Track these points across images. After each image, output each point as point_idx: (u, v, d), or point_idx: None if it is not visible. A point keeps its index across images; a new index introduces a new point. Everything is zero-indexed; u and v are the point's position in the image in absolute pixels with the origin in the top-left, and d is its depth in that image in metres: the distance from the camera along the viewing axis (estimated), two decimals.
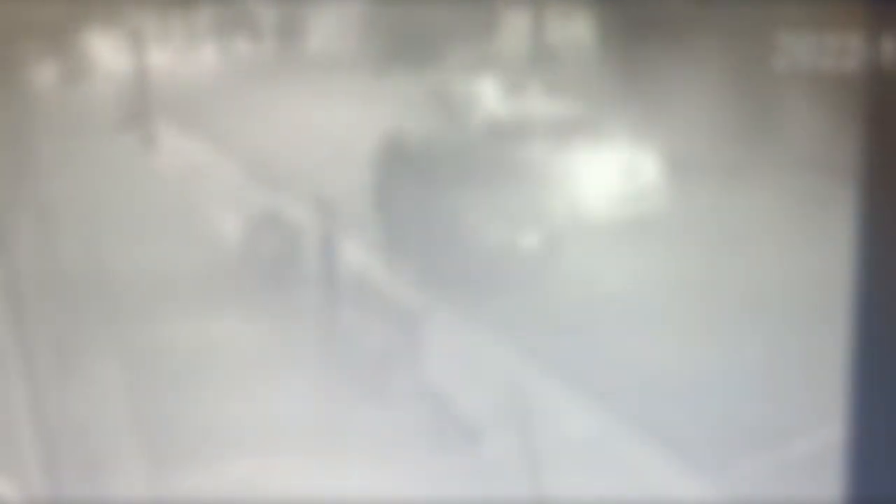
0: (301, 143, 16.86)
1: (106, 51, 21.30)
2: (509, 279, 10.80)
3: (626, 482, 7.29)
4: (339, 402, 8.52)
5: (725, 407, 8.09)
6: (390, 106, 17.82)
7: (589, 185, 13.50)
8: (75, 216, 13.46)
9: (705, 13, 14.41)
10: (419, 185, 11.85)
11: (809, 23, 11.36)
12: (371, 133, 13.09)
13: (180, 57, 22.47)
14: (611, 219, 12.65)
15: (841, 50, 10.77)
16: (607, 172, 14.06)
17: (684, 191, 13.42)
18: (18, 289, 9.68)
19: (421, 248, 11.38)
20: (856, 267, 3.27)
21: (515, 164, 12.06)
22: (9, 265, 10.27)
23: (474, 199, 11.32)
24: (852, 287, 3.30)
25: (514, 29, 20.32)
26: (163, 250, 12.28)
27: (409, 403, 8.38)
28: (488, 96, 18.23)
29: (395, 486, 7.24)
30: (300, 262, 11.26)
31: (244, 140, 17.37)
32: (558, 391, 8.60)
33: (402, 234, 11.94)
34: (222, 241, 12.76)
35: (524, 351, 9.29)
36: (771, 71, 12.55)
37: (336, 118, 18.38)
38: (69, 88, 20.92)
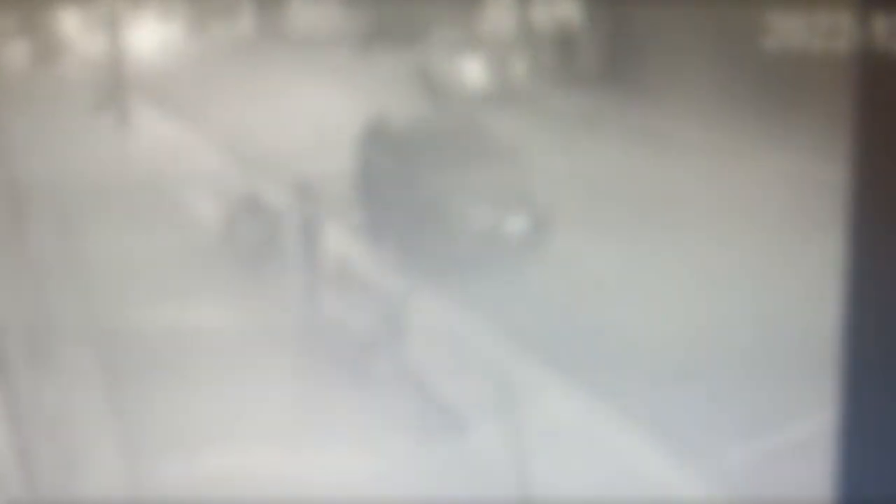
0: (281, 124, 16.68)
1: (80, 30, 21.00)
2: (495, 263, 10.68)
3: (614, 468, 7.21)
4: (321, 389, 8.40)
5: (716, 393, 8.01)
6: (373, 86, 17.66)
7: (575, 167, 13.40)
8: (49, 199, 13.25)
9: None
10: (402, 167, 11.68)
11: (800, 3, 11.27)
12: (353, 114, 12.92)
13: (156, 36, 22.22)
14: (596, 201, 12.56)
15: (832, 31, 10.69)
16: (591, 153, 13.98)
17: (674, 173, 13.35)
18: None
19: (404, 231, 11.25)
20: (847, 250, 3.17)
21: (501, 147, 11.93)
22: None
23: (459, 181, 11.17)
24: (843, 271, 3.19)
25: (499, 7, 20.14)
26: (139, 234, 12.10)
27: (393, 390, 8.27)
28: (473, 76, 18.08)
29: (379, 475, 7.13)
30: (280, 247, 11.12)
31: (223, 121, 17.18)
32: (546, 377, 8.50)
33: (384, 217, 11.79)
34: (201, 225, 12.59)
35: (510, 335, 9.18)
36: (762, 51, 12.46)
37: (317, 99, 18.21)
38: (43, 68, 20.66)
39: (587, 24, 18.50)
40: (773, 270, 10.08)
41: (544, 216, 11.09)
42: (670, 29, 15.67)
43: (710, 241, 11.01)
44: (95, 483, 7.25)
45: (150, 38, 21.47)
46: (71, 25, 20.95)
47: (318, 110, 17.20)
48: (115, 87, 17.74)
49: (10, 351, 8.61)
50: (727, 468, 7.19)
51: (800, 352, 8.16)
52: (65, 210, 12.79)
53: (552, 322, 9.47)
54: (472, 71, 18.11)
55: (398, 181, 11.57)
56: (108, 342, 9.32)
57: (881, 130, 3.15)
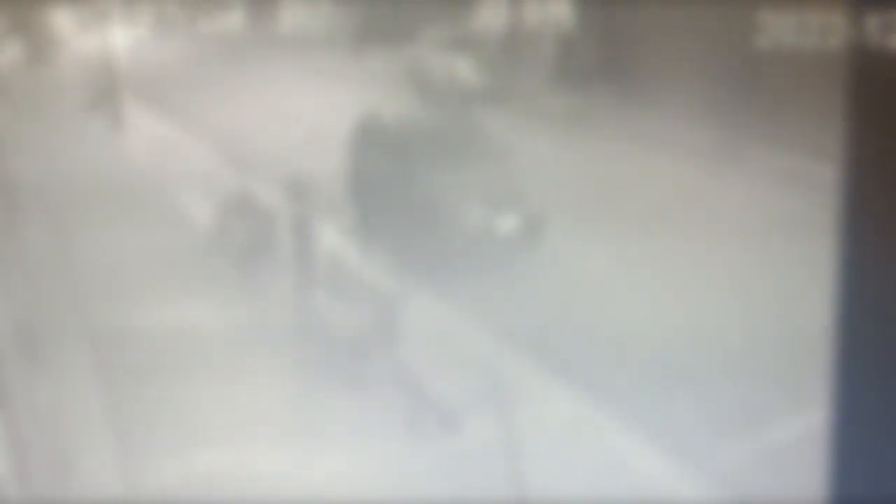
0: (274, 123, 16.68)
1: (73, 30, 20.95)
2: (489, 262, 10.69)
3: (608, 467, 7.22)
4: (314, 389, 8.39)
5: (709, 392, 8.03)
6: (365, 85, 17.66)
7: (567, 165, 13.42)
8: (42, 198, 13.24)
9: None
10: (395, 166, 11.68)
11: (792, 2, 11.30)
12: (345, 113, 12.90)
13: (148, 36, 22.18)
14: (589, 201, 12.58)
15: (824, 29, 10.73)
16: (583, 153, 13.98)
17: (668, 172, 13.39)
18: None
19: (397, 230, 11.24)
20: (839, 248, 3.16)
21: (493, 144, 11.93)
22: None
23: (452, 181, 11.17)
24: (836, 269, 3.19)
25: (492, 7, 20.14)
26: (132, 235, 12.10)
27: (386, 390, 8.26)
28: (465, 75, 18.09)
29: (372, 475, 7.12)
30: (273, 247, 11.11)
31: (215, 121, 17.16)
32: (539, 377, 8.51)
33: (378, 216, 11.79)
34: (193, 225, 12.58)
35: (504, 335, 9.18)
36: (754, 50, 12.48)
37: (309, 98, 18.20)
38: (35, 68, 20.61)
39: (580, 24, 18.52)
40: (766, 269, 10.11)
41: (538, 215, 11.10)
42: (663, 28, 15.70)
43: (704, 239, 11.04)
44: (90, 483, 7.23)
45: (141, 38, 21.43)
46: (63, 25, 20.90)
47: (310, 109, 17.20)
48: (108, 86, 17.72)
49: (3, 350, 8.58)
50: (719, 467, 7.20)
51: (792, 350, 8.18)
52: (58, 209, 12.78)
53: (546, 321, 9.48)
54: (465, 70, 18.12)
55: (391, 180, 11.56)
56: (102, 341, 9.31)
57: (874, 129, 3.14)
